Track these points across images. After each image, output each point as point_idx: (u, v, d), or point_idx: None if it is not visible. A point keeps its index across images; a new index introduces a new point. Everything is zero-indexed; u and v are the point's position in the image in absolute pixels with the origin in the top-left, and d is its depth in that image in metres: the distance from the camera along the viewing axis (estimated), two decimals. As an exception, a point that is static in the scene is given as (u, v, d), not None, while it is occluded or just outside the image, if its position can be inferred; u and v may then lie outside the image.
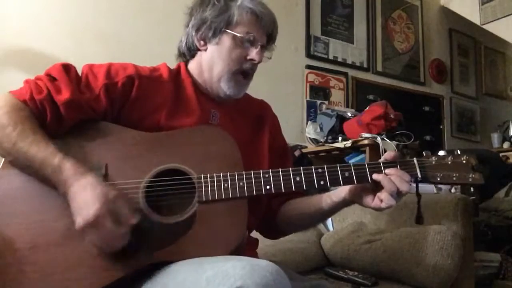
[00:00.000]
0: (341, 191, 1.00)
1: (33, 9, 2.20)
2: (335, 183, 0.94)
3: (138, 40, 2.46)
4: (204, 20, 1.07)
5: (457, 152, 0.96)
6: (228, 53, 1.06)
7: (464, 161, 0.94)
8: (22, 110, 0.87)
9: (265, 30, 1.09)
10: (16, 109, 0.87)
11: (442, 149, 0.98)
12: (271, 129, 1.19)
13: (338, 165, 0.94)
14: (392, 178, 0.90)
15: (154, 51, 2.39)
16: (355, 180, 0.93)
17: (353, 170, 0.93)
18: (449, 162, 0.94)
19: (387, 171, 0.92)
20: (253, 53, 1.06)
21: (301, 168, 0.93)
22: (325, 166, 0.94)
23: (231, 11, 1.05)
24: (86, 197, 0.80)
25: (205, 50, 1.09)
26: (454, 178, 0.94)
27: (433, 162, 0.95)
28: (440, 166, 0.94)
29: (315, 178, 0.92)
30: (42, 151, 0.84)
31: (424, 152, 0.97)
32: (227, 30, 1.05)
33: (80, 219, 0.78)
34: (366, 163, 0.95)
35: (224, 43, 1.06)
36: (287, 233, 1.22)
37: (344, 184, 0.94)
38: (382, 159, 0.96)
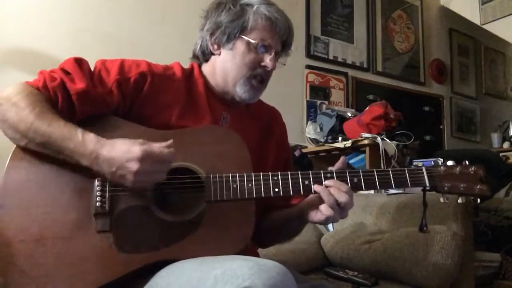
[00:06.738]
0: (297, 208, 1.02)
1: (33, 9, 2.19)
2: None
3: (138, 40, 2.45)
4: (219, 24, 1.06)
5: (466, 163, 0.97)
6: (241, 58, 1.05)
7: (472, 172, 0.95)
8: (38, 95, 0.88)
9: (280, 37, 1.08)
10: (32, 94, 0.88)
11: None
12: (278, 139, 1.19)
13: (347, 170, 0.94)
14: (331, 190, 0.90)
15: (154, 51, 2.40)
16: (363, 186, 0.93)
17: (361, 176, 0.93)
18: (457, 173, 0.95)
19: (326, 182, 0.91)
20: (267, 60, 1.05)
21: (310, 172, 0.93)
22: (334, 171, 0.94)
23: (246, 17, 1.04)
24: (121, 146, 0.83)
25: (219, 54, 1.08)
26: (462, 189, 0.94)
27: (442, 172, 0.95)
28: (448, 176, 0.95)
29: (323, 182, 0.92)
30: (62, 127, 0.85)
31: (433, 161, 0.97)
32: (241, 36, 1.04)
33: (131, 160, 0.81)
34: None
35: (238, 49, 1.05)
36: (264, 244, 1.19)
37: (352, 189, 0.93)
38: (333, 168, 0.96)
